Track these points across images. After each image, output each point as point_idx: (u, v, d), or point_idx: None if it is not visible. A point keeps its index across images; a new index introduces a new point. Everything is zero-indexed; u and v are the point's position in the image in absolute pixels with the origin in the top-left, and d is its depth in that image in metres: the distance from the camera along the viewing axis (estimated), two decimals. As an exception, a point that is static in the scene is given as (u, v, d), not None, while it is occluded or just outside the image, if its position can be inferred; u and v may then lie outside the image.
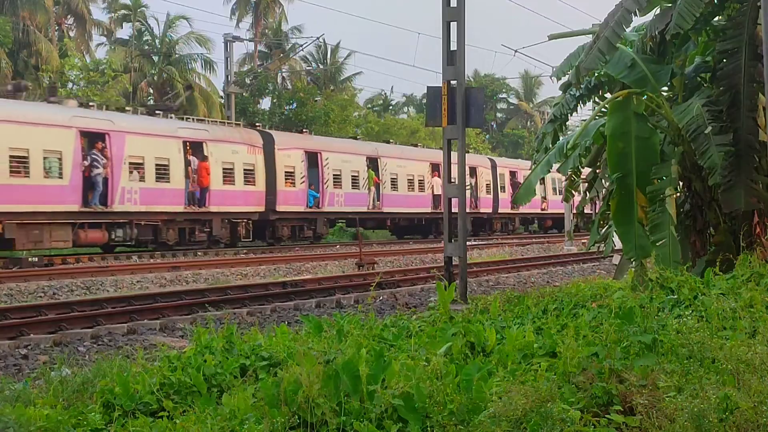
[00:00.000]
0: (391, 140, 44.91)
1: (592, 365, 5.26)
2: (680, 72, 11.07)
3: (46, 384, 6.36)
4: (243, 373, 5.89)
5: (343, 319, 6.97)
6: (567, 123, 12.30)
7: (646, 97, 10.66)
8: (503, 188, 45.68)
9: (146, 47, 51.23)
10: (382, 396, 4.84)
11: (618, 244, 11.12)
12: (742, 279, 7.99)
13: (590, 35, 11.56)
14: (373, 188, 37.23)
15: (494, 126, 79.79)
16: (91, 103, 29.04)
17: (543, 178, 12.60)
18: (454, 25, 13.02)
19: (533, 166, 12.31)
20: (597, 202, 13.62)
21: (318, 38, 49.53)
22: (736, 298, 7.20)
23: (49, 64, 40.84)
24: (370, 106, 69.24)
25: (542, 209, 48.15)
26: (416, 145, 44.51)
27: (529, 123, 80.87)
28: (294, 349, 5.83)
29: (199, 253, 27.79)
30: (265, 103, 55.01)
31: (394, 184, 38.71)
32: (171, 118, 30.68)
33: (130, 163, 26.81)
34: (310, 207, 34.08)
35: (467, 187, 11.26)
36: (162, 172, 27.88)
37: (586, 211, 15.64)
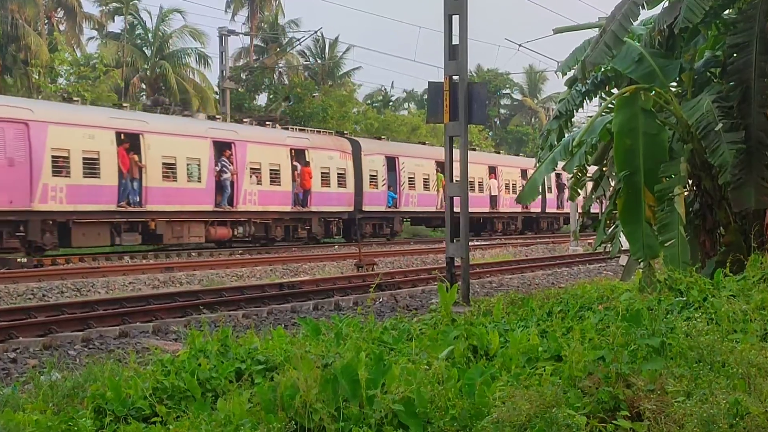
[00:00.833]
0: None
1: (598, 369, 5.22)
2: (689, 67, 10.92)
3: (35, 389, 6.32)
4: (238, 378, 5.84)
5: (342, 321, 6.96)
6: (572, 119, 12.18)
7: (654, 92, 10.53)
8: (550, 189, 46.90)
9: (139, 41, 50.74)
10: (381, 401, 4.82)
11: (625, 244, 10.99)
12: (753, 280, 7.88)
13: (596, 29, 11.44)
14: (441, 190, 39.34)
15: (497, 122, 79.40)
16: (217, 117, 34.46)
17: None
18: (456, 19, 12.86)
19: (537, 164, 12.19)
20: (603, 201, 13.48)
21: (316, 32, 49.51)
22: (747, 300, 7.13)
23: (38, 59, 40.22)
24: (369, 102, 68.26)
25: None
26: (474, 149, 46.84)
27: (533, 119, 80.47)
28: (291, 353, 5.78)
29: (193, 254, 28.08)
30: (262, 99, 54.91)
31: None
32: (277, 128, 35.02)
33: (251, 168, 31.07)
34: (389, 207, 38.25)
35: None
36: (274, 176, 32.18)
37: (592, 211, 15.53)
